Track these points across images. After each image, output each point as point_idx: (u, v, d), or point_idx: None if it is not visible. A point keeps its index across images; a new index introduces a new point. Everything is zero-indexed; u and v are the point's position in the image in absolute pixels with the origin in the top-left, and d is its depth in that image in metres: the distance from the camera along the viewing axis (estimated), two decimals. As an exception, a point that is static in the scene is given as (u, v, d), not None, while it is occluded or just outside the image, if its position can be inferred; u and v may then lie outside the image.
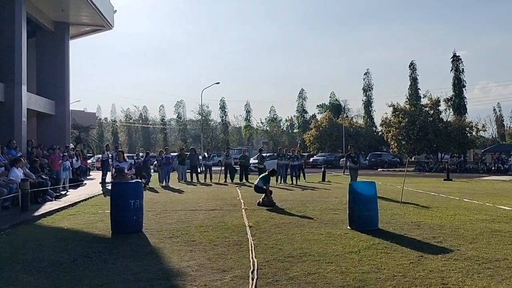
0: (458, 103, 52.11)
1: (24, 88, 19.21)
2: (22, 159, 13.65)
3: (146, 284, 5.12)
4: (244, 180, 22.01)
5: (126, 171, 10.08)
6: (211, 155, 27.02)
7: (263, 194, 12.67)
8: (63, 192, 15.29)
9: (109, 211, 8.76)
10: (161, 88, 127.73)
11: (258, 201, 12.53)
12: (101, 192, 16.02)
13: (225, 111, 78.19)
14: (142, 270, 5.75)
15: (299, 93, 76.73)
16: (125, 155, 14.89)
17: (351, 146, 17.80)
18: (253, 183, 20.49)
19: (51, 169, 16.67)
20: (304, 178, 22.52)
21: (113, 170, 10.72)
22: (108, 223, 8.61)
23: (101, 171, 20.91)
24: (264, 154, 26.24)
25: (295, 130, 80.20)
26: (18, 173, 12.50)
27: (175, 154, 27.57)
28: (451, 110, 51.10)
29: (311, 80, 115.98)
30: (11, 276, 5.53)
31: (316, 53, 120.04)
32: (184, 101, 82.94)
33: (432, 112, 45.00)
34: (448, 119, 47.03)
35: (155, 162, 23.54)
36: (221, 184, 21.14)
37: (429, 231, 8.30)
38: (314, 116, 75.84)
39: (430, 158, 45.52)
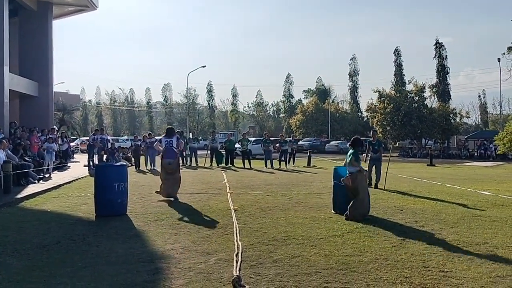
0: (442, 89, 52.51)
1: (6, 68, 18.86)
2: (4, 141, 13.46)
3: (130, 267, 5.12)
4: (229, 164, 22.01)
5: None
6: (197, 138, 26.85)
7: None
8: (46, 175, 15.13)
9: (93, 193, 8.71)
10: (148, 71, 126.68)
11: (346, 214, 8.14)
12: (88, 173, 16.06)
13: (212, 95, 77.71)
14: (126, 252, 5.75)
15: (286, 78, 76.54)
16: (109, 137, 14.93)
17: (374, 132, 14.19)
18: (238, 168, 20.76)
19: (31, 151, 16.49)
20: (293, 163, 22.85)
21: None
22: (92, 206, 8.57)
23: (87, 154, 20.79)
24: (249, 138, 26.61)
25: (281, 115, 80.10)
26: (0, 155, 12.33)
27: (160, 137, 27.33)
28: (435, 96, 51.54)
29: (298, 65, 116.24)
30: (-7, 258, 5.48)
31: (303, 38, 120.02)
32: (171, 84, 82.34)
33: (417, 98, 45.34)
34: (433, 106, 47.47)
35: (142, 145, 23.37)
36: (207, 168, 21.11)
37: (412, 215, 8.42)
38: (300, 101, 75.88)
39: (414, 143, 46.02)
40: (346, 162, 8.64)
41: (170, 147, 10.50)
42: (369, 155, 13.40)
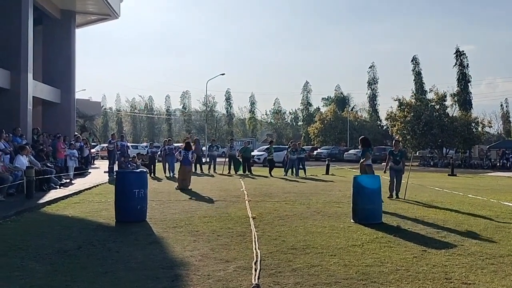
0: (463, 98, 51.78)
1: (30, 75, 19.22)
2: (28, 147, 13.69)
3: (150, 273, 5.15)
4: (247, 172, 22.04)
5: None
6: (216, 146, 27.00)
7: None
8: (67, 181, 15.33)
9: (113, 200, 8.80)
10: (167, 78, 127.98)
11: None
12: (107, 180, 16.21)
13: (230, 103, 78.18)
14: (146, 258, 5.78)
15: (304, 86, 76.56)
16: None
17: (396, 142, 14.11)
18: (256, 175, 20.75)
19: (56, 157, 16.75)
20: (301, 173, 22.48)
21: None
22: (112, 212, 8.65)
23: (107, 160, 20.95)
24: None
25: (299, 123, 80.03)
26: (23, 161, 12.54)
27: (179, 144, 27.54)
28: (457, 105, 50.84)
29: (316, 73, 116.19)
30: (16, 262, 5.56)
31: (322, 46, 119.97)
32: (190, 92, 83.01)
33: (438, 107, 44.78)
34: (454, 114, 46.79)
35: (159, 152, 23.46)
36: (225, 175, 21.16)
37: (433, 226, 8.29)
38: (318, 109, 75.73)
39: (434, 153, 45.40)
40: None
41: (187, 157, 15.01)
42: (389, 165, 12.82)
